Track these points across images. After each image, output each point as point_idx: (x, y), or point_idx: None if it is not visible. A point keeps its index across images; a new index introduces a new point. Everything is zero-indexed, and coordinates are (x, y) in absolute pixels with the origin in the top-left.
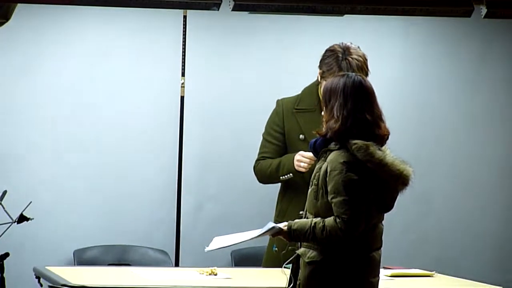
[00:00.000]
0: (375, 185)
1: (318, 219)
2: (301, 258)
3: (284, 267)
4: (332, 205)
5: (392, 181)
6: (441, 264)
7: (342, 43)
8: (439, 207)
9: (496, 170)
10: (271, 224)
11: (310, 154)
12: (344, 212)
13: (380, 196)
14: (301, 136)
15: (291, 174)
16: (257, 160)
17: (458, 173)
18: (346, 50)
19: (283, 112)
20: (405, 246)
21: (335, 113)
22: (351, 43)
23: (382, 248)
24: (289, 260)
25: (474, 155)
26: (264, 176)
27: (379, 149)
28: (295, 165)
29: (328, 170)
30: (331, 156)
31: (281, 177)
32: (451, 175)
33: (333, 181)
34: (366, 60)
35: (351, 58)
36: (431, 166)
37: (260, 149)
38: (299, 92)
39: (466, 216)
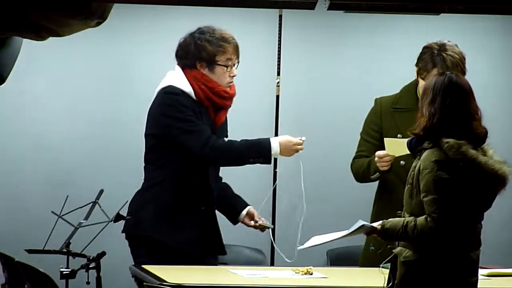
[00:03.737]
0: (469, 184)
1: (411, 218)
2: (398, 258)
3: (382, 267)
4: (424, 203)
5: (487, 180)
6: None
7: (439, 40)
8: None
9: None
10: (361, 222)
11: (383, 152)
12: (434, 210)
13: (476, 195)
14: (398, 135)
15: (378, 174)
16: (354, 158)
17: None
18: (441, 46)
19: (381, 111)
20: (503, 245)
21: (424, 111)
22: (448, 41)
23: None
24: (386, 260)
25: None
26: (358, 174)
27: (474, 148)
28: (378, 166)
29: (421, 169)
30: (424, 154)
31: (371, 177)
32: None
33: (425, 179)
34: (464, 58)
35: (446, 54)
36: None
37: (357, 147)
38: (395, 91)
39: None
